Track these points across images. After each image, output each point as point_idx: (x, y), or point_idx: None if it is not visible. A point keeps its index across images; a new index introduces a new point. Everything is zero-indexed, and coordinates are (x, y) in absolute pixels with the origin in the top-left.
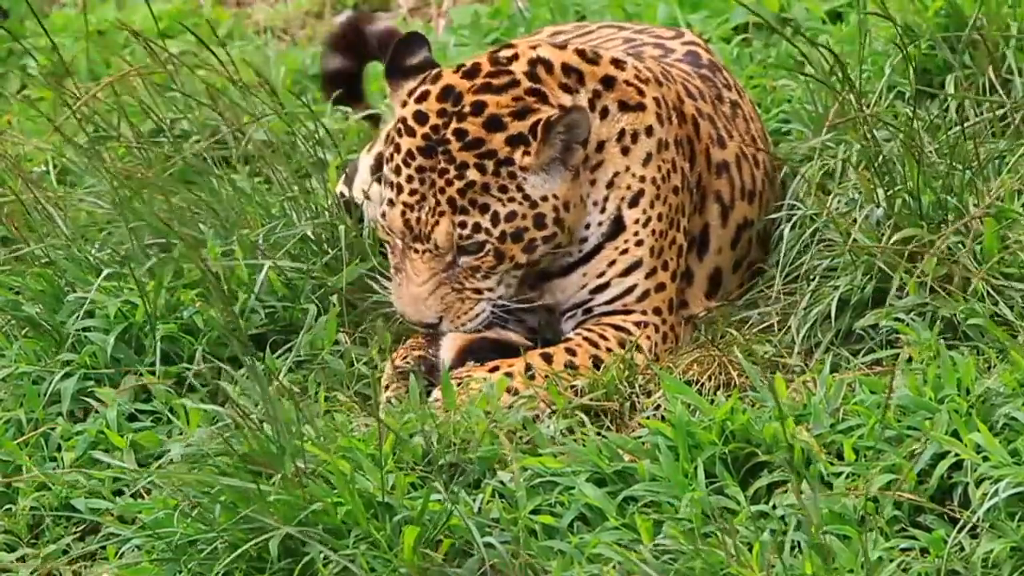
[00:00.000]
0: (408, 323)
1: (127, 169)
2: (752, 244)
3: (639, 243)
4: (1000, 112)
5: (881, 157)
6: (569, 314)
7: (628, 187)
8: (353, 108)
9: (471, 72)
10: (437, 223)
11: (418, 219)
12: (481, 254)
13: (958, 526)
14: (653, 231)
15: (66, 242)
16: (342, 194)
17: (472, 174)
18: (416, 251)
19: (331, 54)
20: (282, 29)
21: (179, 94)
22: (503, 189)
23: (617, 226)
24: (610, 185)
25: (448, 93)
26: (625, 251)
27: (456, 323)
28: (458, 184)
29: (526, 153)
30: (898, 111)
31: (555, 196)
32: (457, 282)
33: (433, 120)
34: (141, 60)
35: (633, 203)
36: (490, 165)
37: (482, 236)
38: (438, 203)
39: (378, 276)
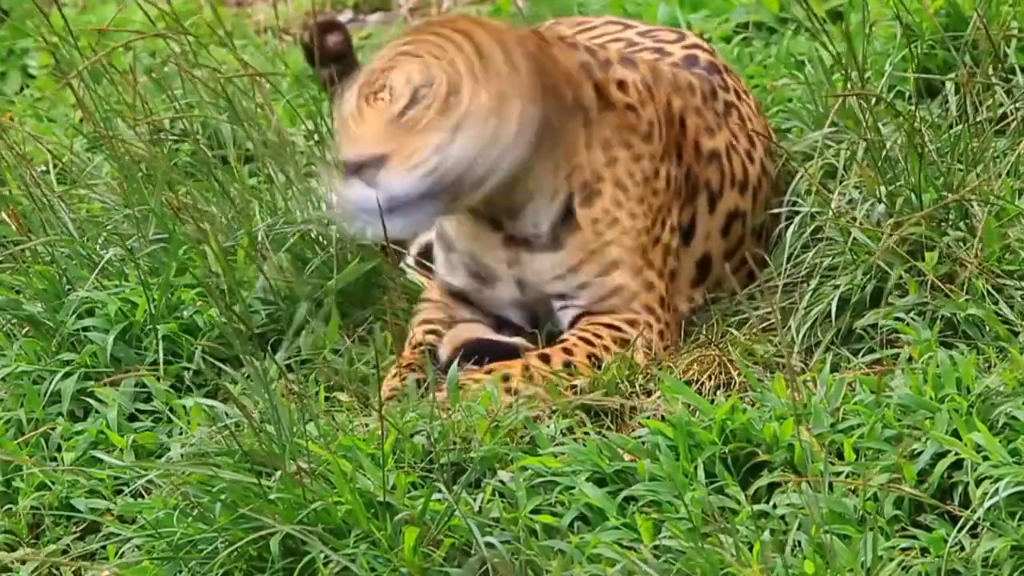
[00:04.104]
0: None
1: (136, 153)
2: (745, 237)
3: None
4: (1000, 111)
5: (884, 153)
6: (560, 304)
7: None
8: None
9: None
10: None
11: None
12: None
13: (958, 525)
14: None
15: (69, 238)
16: None
17: None
18: None
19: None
20: (283, 29)
21: (181, 91)
22: None
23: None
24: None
25: None
26: (594, 251)
27: None
28: None
29: None
30: (900, 110)
31: None
32: None
33: None
34: (143, 60)
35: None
36: None
37: None
38: None
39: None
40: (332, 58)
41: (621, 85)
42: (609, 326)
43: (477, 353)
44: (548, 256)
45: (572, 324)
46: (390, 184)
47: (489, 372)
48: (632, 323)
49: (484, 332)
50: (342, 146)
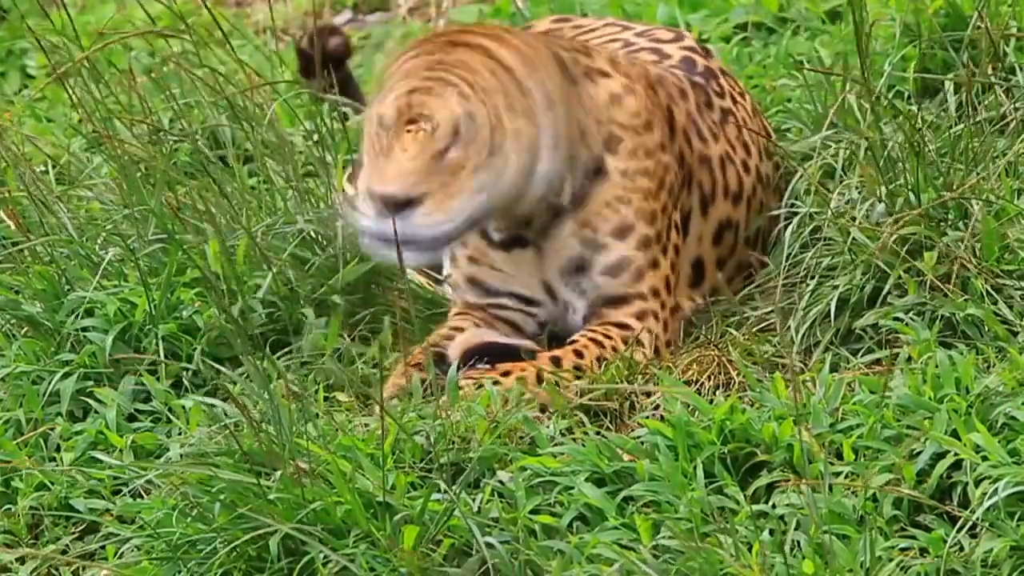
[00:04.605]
0: None
1: (135, 153)
2: (737, 247)
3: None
4: (1000, 111)
5: (886, 153)
6: (572, 294)
7: None
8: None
9: None
10: None
11: None
12: None
13: (957, 525)
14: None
15: (68, 238)
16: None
17: None
18: None
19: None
20: (282, 29)
21: (180, 91)
22: None
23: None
24: None
25: None
26: (610, 202)
27: None
28: None
29: None
30: (900, 110)
31: None
32: None
33: None
34: (142, 60)
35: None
36: None
37: None
38: None
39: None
40: (332, 60)
41: (613, 62)
42: (619, 325)
43: (486, 355)
44: (569, 221)
45: (584, 321)
46: (426, 226)
47: (505, 374)
48: (641, 316)
49: (495, 336)
50: (378, 175)
